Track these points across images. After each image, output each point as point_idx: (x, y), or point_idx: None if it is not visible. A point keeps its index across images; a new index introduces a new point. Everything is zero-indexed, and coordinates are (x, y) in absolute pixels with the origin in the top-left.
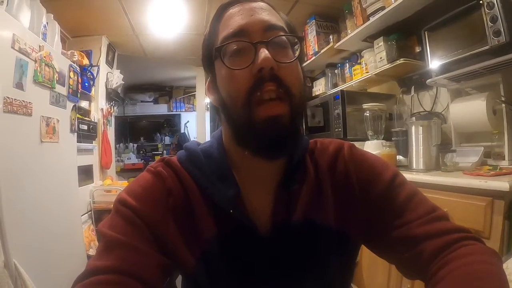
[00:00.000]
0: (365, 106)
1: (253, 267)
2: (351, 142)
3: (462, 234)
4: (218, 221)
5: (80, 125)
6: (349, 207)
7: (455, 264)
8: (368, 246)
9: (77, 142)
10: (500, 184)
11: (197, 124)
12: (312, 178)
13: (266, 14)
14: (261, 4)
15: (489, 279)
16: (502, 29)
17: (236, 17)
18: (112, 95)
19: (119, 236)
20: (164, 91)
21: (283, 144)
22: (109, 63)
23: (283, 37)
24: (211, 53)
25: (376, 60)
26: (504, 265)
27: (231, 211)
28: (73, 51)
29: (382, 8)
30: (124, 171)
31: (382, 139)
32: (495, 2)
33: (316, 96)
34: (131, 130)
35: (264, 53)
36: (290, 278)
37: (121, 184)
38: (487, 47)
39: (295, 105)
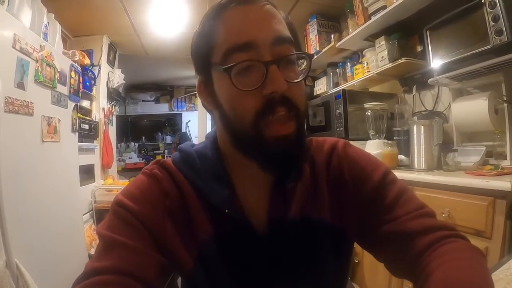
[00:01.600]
0: (366, 105)
1: (250, 265)
2: (346, 140)
3: (447, 232)
4: (215, 222)
5: (81, 124)
6: (344, 203)
7: (436, 264)
8: (360, 243)
9: (79, 141)
10: (502, 183)
11: (199, 124)
12: (307, 176)
13: (274, 22)
14: (267, 7)
15: (469, 275)
16: (504, 28)
17: (240, 22)
18: (113, 95)
19: (118, 237)
20: (165, 90)
21: (292, 159)
22: (110, 62)
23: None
24: (207, 56)
25: (377, 59)
26: (506, 266)
27: (226, 210)
28: (74, 50)
29: (384, 7)
30: (126, 171)
31: (384, 139)
32: (497, 1)
33: (318, 95)
34: (132, 129)
35: (277, 75)
36: (288, 275)
37: (122, 184)
38: (489, 47)
39: (301, 120)
